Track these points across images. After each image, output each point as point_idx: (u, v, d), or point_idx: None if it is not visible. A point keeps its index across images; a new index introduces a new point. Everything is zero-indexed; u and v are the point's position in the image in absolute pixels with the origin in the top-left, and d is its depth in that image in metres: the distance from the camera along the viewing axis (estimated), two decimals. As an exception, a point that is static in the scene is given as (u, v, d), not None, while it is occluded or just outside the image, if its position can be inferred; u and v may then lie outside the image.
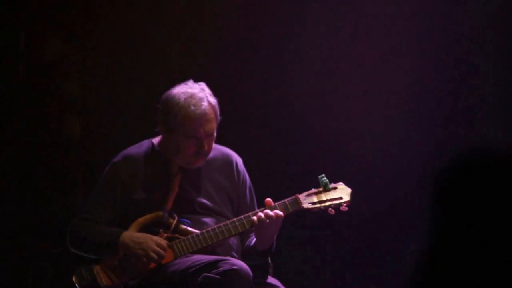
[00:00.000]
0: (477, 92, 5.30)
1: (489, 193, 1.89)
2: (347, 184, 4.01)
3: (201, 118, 3.96)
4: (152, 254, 3.88)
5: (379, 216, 5.34)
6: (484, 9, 5.25)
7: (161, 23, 5.46)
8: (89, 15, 5.45)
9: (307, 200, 3.95)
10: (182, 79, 4.08)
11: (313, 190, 3.97)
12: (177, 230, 3.97)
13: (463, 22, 5.30)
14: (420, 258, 1.91)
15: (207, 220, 4.04)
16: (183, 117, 3.96)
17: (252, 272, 3.84)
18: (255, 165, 4.55)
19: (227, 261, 3.81)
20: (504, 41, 5.26)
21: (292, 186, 4.47)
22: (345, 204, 3.96)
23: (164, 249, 3.90)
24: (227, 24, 5.43)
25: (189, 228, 3.97)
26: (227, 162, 4.18)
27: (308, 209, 3.95)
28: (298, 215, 4.14)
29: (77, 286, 3.96)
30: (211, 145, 4.03)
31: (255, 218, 3.91)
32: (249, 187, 4.21)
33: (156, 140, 4.14)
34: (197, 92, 3.99)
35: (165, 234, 3.95)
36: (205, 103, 3.98)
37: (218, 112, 4.02)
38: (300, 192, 3.96)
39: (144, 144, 4.17)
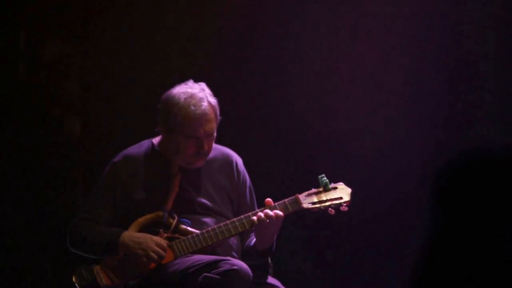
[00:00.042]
0: (477, 92, 5.30)
1: (489, 193, 1.89)
2: (347, 184, 4.01)
3: (201, 118, 3.96)
4: (152, 254, 3.88)
5: (379, 216, 5.34)
6: (484, 9, 5.25)
7: (161, 23, 5.46)
8: (89, 15, 5.45)
9: (307, 200, 3.95)
10: (182, 79, 4.08)
11: (313, 190, 3.97)
12: (177, 230, 3.97)
13: (463, 22, 5.30)
14: (420, 258, 1.91)
15: (207, 220, 4.04)
16: (183, 117, 3.96)
17: (252, 272, 3.84)
18: (255, 165, 4.55)
19: (227, 261, 3.81)
20: (504, 41, 5.26)
21: (292, 186, 4.47)
22: (345, 204, 3.96)
23: (164, 249, 3.90)
24: (227, 24, 5.43)
25: (189, 228, 3.97)
26: (227, 162, 4.18)
27: (308, 209, 3.95)
28: (298, 215, 4.14)
29: (77, 286, 3.95)
30: (211, 145, 4.03)
31: (255, 218, 3.91)
32: (249, 187, 4.21)
33: (156, 140, 4.14)
34: (197, 92, 3.99)
35: (165, 234, 3.95)
36: (205, 103, 3.98)
37: (218, 112, 4.02)
38: (300, 192, 3.96)
39: (144, 144, 4.17)
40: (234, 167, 4.17)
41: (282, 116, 5.41)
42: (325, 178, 3.97)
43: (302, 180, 4.71)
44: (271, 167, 5.41)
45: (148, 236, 3.93)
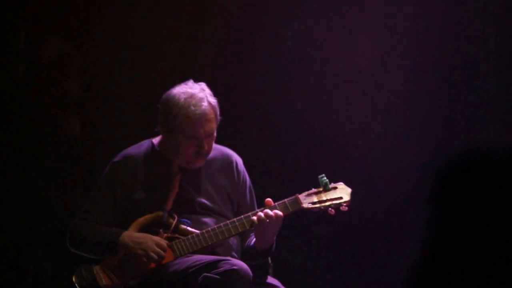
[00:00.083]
0: (477, 92, 5.30)
1: (489, 193, 1.89)
2: (347, 184, 4.01)
3: (201, 118, 3.96)
4: (152, 254, 3.88)
5: (379, 216, 5.34)
6: (484, 9, 5.25)
7: (161, 23, 5.46)
8: (89, 15, 5.45)
9: (307, 200, 3.95)
10: (182, 79, 4.08)
11: (313, 190, 3.97)
12: (177, 230, 3.97)
13: (463, 22, 5.30)
14: (420, 258, 1.91)
15: (207, 220, 4.04)
16: (183, 117, 3.96)
17: (252, 272, 3.84)
18: (255, 165, 4.55)
19: (227, 261, 3.81)
20: (504, 41, 5.26)
21: (292, 186, 4.47)
22: (345, 204, 3.95)
23: (164, 249, 3.90)
24: (227, 24, 5.43)
25: (189, 228, 3.97)
26: (227, 162, 4.18)
27: (308, 209, 3.95)
28: (298, 215, 4.14)
29: (77, 286, 3.95)
30: (211, 145, 4.03)
31: (255, 218, 3.91)
32: (249, 187, 4.21)
33: (156, 140, 4.14)
34: (197, 92, 3.99)
35: (165, 234, 3.95)
36: (205, 103, 3.98)
37: (218, 112, 4.02)
38: (300, 192, 3.96)
39: (144, 144, 4.16)
40: (234, 167, 4.17)
41: (282, 116, 5.41)
42: (325, 178, 3.96)
43: (302, 180, 4.71)
44: (271, 167, 5.41)
45: (148, 236, 3.92)
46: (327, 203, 3.94)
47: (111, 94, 5.49)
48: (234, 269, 3.76)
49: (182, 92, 3.99)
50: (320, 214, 3.97)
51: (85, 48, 5.47)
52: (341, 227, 5.36)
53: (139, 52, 5.45)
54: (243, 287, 3.77)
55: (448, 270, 1.86)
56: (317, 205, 3.94)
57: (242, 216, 3.94)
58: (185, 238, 3.94)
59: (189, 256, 3.92)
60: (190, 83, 4.04)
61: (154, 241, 3.90)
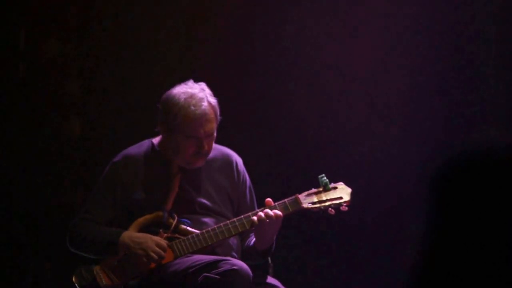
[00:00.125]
0: (477, 92, 5.30)
1: (489, 193, 1.88)
2: (347, 184, 4.01)
3: (201, 118, 3.96)
4: (152, 254, 3.88)
5: (379, 216, 5.34)
6: (484, 9, 5.25)
7: (161, 23, 5.46)
8: (89, 15, 5.45)
9: (307, 200, 3.95)
10: (182, 79, 4.08)
11: (313, 190, 3.97)
12: (177, 230, 3.97)
13: (463, 22, 5.30)
14: (419, 258, 1.91)
15: (207, 220, 4.04)
16: (183, 117, 3.96)
17: (252, 272, 3.84)
18: (255, 165, 4.55)
19: (227, 261, 3.81)
20: (504, 41, 5.26)
21: (292, 186, 4.47)
22: (345, 204, 3.95)
23: (164, 249, 3.90)
24: (227, 24, 5.43)
25: (189, 228, 3.97)
26: (227, 162, 4.18)
27: (308, 209, 3.95)
28: (298, 215, 4.14)
29: (77, 286, 3.95)
30: (211, 145, 4.03)
31: (255, 218, 3.91)
32: (249, 187, 4.21)
33: (156, 140, 4.14)
34: (197, 92, 3.99)
35: (165, 234, 3.95)
36: (205, 103, 3.98)
37: (218, 112, 4.02)
38: (300, 192, 3.96)
39: (144, 144, 4.17)
40: (234, 167, 4.17)
41: (282, 116, 5.41)
42: (325, 178, 3.96)
43: (302, 180, 4.71)
44: (271, 167, 5.41)
45: (148, 236, 3.93)
46: (327, 203, 3.94)
47: (111, 94, 5.49)
48: (234, 269, 3.76)
49: (182, 92, 3.99)
50: (320, 214, 3.97)
51: (85, 48, 5.47)
52: (341, 227, 5.35)
53: (139, 52, 5.45)
54: (243, 287, 3.78)
55: (448, 270, 1.86)
56: (317, 205, 3.94)
57: (242, 216, 3.94)
58: (185, 238, 3.94)
59: (189, 256, 3.92)
60: (190, 83, 4.04)
61: (154, 241, 3.90)
